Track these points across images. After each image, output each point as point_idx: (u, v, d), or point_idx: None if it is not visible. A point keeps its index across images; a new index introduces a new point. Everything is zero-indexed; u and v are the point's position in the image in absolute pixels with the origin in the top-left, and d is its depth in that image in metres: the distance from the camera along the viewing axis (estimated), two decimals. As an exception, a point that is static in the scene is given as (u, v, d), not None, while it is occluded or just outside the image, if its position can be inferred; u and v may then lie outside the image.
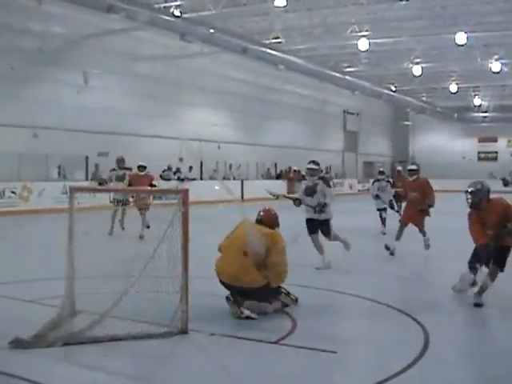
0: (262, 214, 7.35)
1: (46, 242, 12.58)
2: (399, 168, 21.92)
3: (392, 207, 15.79)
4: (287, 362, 5.37)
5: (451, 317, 6.99)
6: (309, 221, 10.01)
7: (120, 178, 14.79)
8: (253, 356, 5.61)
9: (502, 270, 7.30)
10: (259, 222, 7.25)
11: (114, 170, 15.34)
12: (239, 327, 6.30)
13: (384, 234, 14.78)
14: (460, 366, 5.53)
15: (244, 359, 5.52)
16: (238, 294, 6.79)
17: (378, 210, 15.58)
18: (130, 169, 15.31)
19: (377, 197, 15.60)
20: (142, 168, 15.02)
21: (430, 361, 5.38)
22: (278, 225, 7.33)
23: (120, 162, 15.25)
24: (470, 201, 7.34)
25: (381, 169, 17.55)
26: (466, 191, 7.39)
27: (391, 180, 17.14)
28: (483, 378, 5.29)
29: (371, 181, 17.98)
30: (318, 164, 10.09)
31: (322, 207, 9.80)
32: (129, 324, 5.82)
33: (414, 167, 12.25)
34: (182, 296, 5.91)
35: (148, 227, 13.13)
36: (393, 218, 14.22)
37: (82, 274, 6.38)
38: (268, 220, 7.28)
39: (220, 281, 6.89)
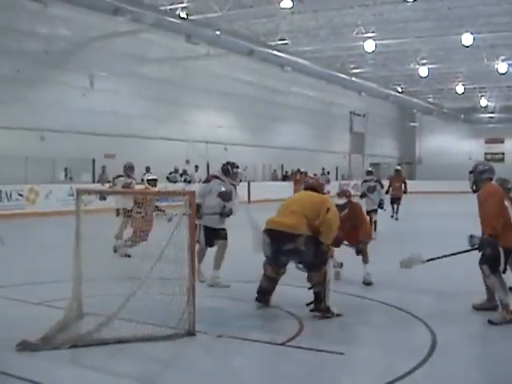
0: (310, 180, 7.71)
1: (52, 244, 12.60)
2: (398, 167, 21.71)
3: (381, 207, 15.27)
4: (294, 364, 5.36)
5: (458, 318, 6.94)
6: (209, 229, 8.65)
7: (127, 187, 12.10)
8: (260, 358, 5.61)
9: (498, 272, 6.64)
10: (309, 188, 7.41)
11: (120, 176, 12.71)
12: (246, 329, 6.28)
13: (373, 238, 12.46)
14: (467, 367, 5.52)
15: (251, 361, 5.51)
16: (281, 242, 6.78)
17: (367, 212, 14.22)
18: (134, 179, 12.66)
19: (363, 196, 15.19)
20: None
21: (438, 362, 5.36)
22: (323, 190, 7.58)
23: (128, 169, 12.62)
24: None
25: (369, 169, 17.15)
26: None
27: (381, 180, 16.69)
28: (490, 379, 5.28)
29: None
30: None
31: (229, 213, 8.70)
32: (136, 326, 5.81)
33: (340, 202, 8.96)
34: (188, 298, 5.90)
35: (129, 256, 10.61)
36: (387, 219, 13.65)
37: (88, 276, 6.38)
38: (318, 184, 7.76)
39: (265, 231, 6.93)
